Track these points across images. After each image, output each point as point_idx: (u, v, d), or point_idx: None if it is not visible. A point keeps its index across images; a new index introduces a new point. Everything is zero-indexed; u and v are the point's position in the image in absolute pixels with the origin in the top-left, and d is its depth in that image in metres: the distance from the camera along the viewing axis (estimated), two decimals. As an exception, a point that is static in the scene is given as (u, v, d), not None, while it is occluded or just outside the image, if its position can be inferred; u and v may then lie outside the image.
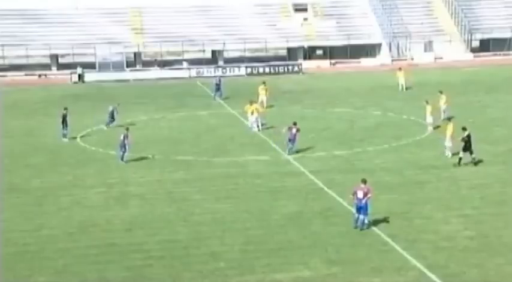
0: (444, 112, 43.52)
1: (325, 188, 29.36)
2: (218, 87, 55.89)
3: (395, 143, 37.86)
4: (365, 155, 35.60)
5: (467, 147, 32.21)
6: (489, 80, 64.54)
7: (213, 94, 56.00)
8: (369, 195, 24.00)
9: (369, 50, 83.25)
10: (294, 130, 35.94)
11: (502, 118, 43.32)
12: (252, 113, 42.68)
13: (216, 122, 46.15)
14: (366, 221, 23.98)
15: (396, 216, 25.21)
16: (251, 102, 43.69)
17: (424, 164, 32.79)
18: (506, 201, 26.88)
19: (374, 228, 23.97)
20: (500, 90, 57.61)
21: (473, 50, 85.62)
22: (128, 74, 73.80)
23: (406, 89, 59.81)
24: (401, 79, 60.35)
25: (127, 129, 36.10)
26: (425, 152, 35.32)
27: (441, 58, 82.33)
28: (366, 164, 33.67)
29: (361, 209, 23.94)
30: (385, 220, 24.78)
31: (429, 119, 40.85)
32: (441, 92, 44.33)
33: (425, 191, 28.59)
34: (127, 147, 34.93)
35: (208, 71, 74.56)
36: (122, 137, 34.98)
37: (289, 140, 35.86)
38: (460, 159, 32.16)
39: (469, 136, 32.37)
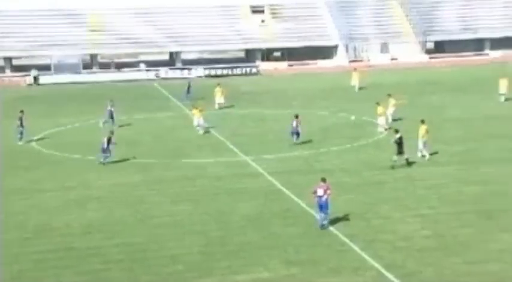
0: (391, 116, 43.99)
1: (284, 189, 29.46)
2: (189, 90, 56.16)
3: (354, 144, 38.20)
4: (324, 156, 35.84)
5: (400, 149, 32.35)
6: (444, 81, 65.57)
7: (184, 96, 56.04)
8: (328, 192, 24.19)
9: (326, 52, 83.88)
10: (294, 123, 37.67)
11: (458, 118, 44.01)
12: (196, 115, 42.73)
13: (174, 124, 46.01)
14: (326, 220, 24.19)
15: (354, 217, 25.43)
16: (195, 107, 43.83)
17: (381, 165, 33.13)
18: (462, 200, 27.32)
19: (332, 229, 24.12)
20: (456, 90, 58.56)
21: (428, 52, 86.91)
22: (84, 77, 73.03)
23: (360, 89, 60.62)
24: (355, 80, 61.29)
25: (111, 132, 35.65)
26: (382, 152, 35.66)
27: (396, 59, 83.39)
28: (324, 164, 33.89)
29: (321, 207, 24.15)
30: (343, 220, 24.98)
31: (380, 121, 41.23)
32: (390, 95, 44.83)
33: (383, 192, 28.89)
34: (111, 150, 34.69)
35: (166, 72, 74.23)
36: (104, 140, 34.61)
37: (292, 133, 37.67)
38: (395, 162, 32.28)
39: (400, 138, 32.59)
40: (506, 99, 52.15)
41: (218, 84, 53.58)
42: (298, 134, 37.89)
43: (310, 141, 39.46)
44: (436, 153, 35.09)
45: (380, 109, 41.52)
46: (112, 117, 44.91)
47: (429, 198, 27.77)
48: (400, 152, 32.57)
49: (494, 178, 30.35)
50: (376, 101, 42.41)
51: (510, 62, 76.73)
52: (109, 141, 34.59)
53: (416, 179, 30.65)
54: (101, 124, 44.59)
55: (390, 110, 44.07)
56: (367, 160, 34.34)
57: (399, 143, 32.60)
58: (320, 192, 24.21)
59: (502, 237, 23.08)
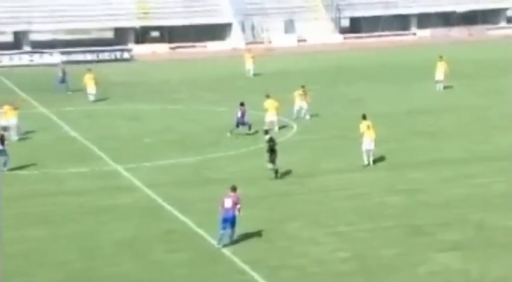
0: (302, 110, 44.77)
1: (167, 206, 29.46)
2: (63, 79, 55.38)
3: (252, 147, 38.59)
4: (216, 163, 36.04)
5: (272, 156, 32.37)
6: (362, 67, 67.22)
7: (57, 86, 55.13)
8: (238, 206, 24.54)
9: (217, 32, 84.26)
10: (239, 113, 40.01)
11: (379, 113, 45.09)
12: (7, 114, 41.79)
13: (26, 125, 45.04)
14: (230, 239, 24.50)
15: (256, 237, 25.70)
16: (12, 104, 42.81)
17: (288, 172, 33.64)
18: (386, 214, 28.11)
19: (228, 253, 24.33)
20: (375, 79, 60.13)
21: (342, 31, 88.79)
22: None
23: (255, 75, 61.39)
24: (249, 63, 62.22)
25: (4, 129, 34.71)
26: (289, 157, 36.22)
27: (305, 40, 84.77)
28: (217, 173, 34.09)
29: (226, 221, 24.45)
30: (242, 242, 25.21)
31: (270, 117, 41.73)
32: (303, 87, 45.60)
33: (291, 205, 29.33)
34: (8, 152, 34.51)
35: (11, 58, 72.63)
36: None
37: (238, 124, 40.09)
38: (274, 170, 32.44)
39: (272, 141, 32.67)
40: (444, 87, 54.05)
41: (89, 70, 53.48)
42: (244, 124, 40.77)
43: (198, 144, 39.56)
44: (355, 156, 35.96)
45: (269, 103, 41.93)
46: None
47: (346, 211, 28.42)
48: (271, 159, 32.39)
49: (423, 186, 31.40)
50: (267, 94, 42.89)
51: (441, 43, 79.54)
52: (2, 141, 34.52)
53: (331, 189, 31.31)
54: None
55: (301, 104, 44.74)
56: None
57: (271, 148, 32.42)
58: (228, 203, 24.56)
59: (433, 257, 23.88)
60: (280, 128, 42.01)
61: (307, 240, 25.51)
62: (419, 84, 55.92)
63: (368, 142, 34.41)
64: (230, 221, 24.56)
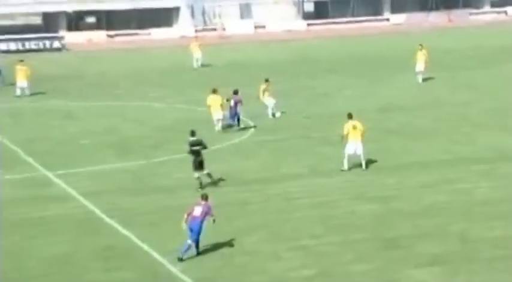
0: (271, 108, 44.92)
1: (105, 218, 29.33)
2: None
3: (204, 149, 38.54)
4: (162, 167, 35.97)
5: (197, 161, 32.07)
6: (329, 57, 67.55)
7: None
8: (208, 217, 24.94)
9: (163, 17, 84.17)
10: (232, 102, 40.90)
11: (348, 110, 45.03)
12: None
13: None
14: (190, 250, 24.77)
15: (209, 253, 25.68)
16: None
17: (246, 177, 33.65)
18: (356, 225, 28.21)
19: (176, 271, 24.28)
20: (344, 71, 60.47)
21: (306, 16, 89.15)
22: None
23: (203, 66, 61.45)
24: (196, 53, 62.40)
25: None
26: (246, 160, 36.28)
27: (263, 27, 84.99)
28: (163, 179, 34.02)
29: (192, 231, 24.77)
30: (194, 258, 25.20)
31: (217, 115, 41.76)
32: (267, 80, 45.65)
33: (248, 215, 29.35)
34: None
35: None
36: None
37: (232, 117, 40.85)
38: (199, 180, 32.05)
39: (199, 144, 32.34)
40: (424, 80, 54.52)
41: (21, 61, 53.66)
42: (235, 117, 41.70)
43: (141, 147, 39.45)
44: (321, 158, 36.09)
45: (213, 99, 41.93)
46: None
47: (312, 222, 28.50)
48: (196, 166, 32.10)
49: (398, 192, 31.59)
50: (213, 88, 42.81)
51: (418, 30, 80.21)
52: None
53: (295, 197, 31.39)
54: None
55: (268, 100, 44.73)
56: (225, 171, 34.79)
57: (194, 152, 32.12)
58: (197, 211, 24.90)
59: (410, 274, 23.99)
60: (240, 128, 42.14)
61: (267, 255, 25.56)
62: (393, 77, 56.37)
63: (352, 146, 34.26)
64: (197, 232, 24.85)
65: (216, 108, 41.76)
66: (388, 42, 75.26)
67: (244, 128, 42.43)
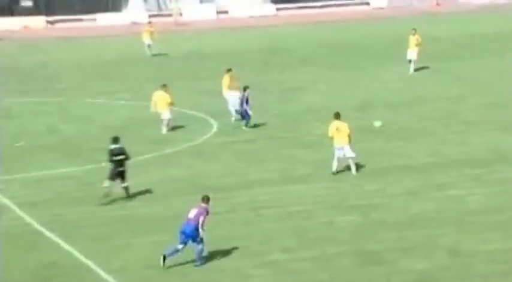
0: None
1: (45, 231, 29.29)
2: None
3: (161, 152, 38.67)
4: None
5: (116, 169, 31.96)
6: (301, 46, 67.67)
7: None
8: (201, 219, 25.35)
9: (111, 1, 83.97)
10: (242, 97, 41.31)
11: (323, 107, 45.47)
12: None
13: None
14: (203, 253, 25.50)
15: (168, 270, 25.74)
16: None
17: (209, 184, 33.64)
18: (333, 237, 28.35)
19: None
20: (319, 63, 60.60)
21: (275, 0, 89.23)
22: None
23: (155, 55, 61.52)
24: (147, 38, 62.49)
25: None
26: (209, 164, 36.34)
27: (226, 13, 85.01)
28: (111, 187, 34.00)
29: (184, 233, 25.15)
30: (149, 276, 25.21)
31: (165, 114, 41.76)
32: (230, 70, 45.55)
33: (211, 227, 29.29)
34: None
35: None
36: None
37: (242, 115, 41.59)
38: (107, 190, 31.98)
39: (123, 153, 32.12)
40: (415, 70, 54.81)
41: None
42: (241, 113, 42.17)
43: (87, 149, 39.38)
44: (293, 162, 36.25)
45: (160, 96, 41.93)
46: None
47: (283, 235, 28.62)
48: (113, 175, 31.96)
49: (381, 200, 31.77)
50: (163, 83, 42.82)
51: (402, 15, 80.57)
52: None
53: (264, 206, 31.51)
54: None
55: (232, 94, 44.66)
56: (185, 176, 34.85)
57: (117, 162, 31.91)
58: (192, 213, 25.41)
59: (395, 292, 24.35)
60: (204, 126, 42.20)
61: (232, 272, 25.67)
62: (375, 69, 56.58)
63: (339, 150, 34.44)
64: (190, 235, 25.23)
65: (163, 106, 41.65)
66: (369, 29, 75.49)
67: (203, 125, 42.54)
